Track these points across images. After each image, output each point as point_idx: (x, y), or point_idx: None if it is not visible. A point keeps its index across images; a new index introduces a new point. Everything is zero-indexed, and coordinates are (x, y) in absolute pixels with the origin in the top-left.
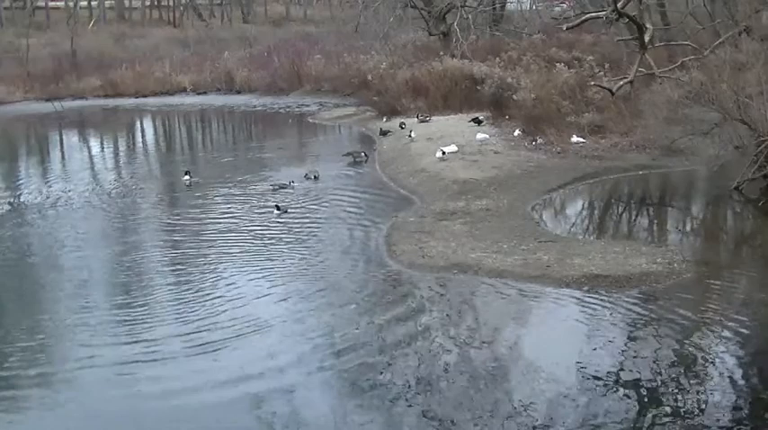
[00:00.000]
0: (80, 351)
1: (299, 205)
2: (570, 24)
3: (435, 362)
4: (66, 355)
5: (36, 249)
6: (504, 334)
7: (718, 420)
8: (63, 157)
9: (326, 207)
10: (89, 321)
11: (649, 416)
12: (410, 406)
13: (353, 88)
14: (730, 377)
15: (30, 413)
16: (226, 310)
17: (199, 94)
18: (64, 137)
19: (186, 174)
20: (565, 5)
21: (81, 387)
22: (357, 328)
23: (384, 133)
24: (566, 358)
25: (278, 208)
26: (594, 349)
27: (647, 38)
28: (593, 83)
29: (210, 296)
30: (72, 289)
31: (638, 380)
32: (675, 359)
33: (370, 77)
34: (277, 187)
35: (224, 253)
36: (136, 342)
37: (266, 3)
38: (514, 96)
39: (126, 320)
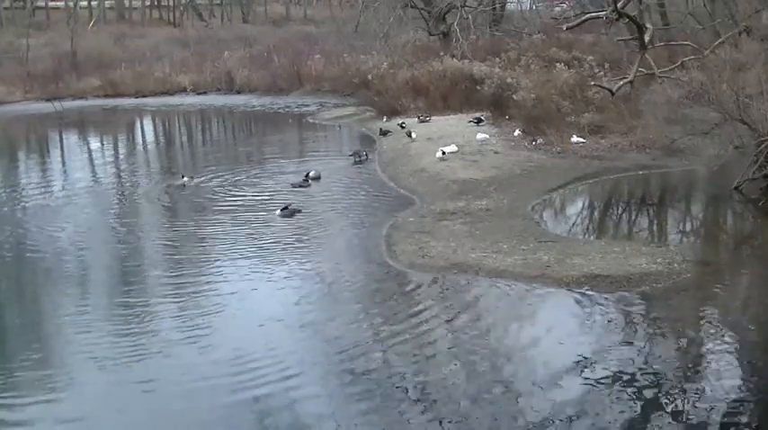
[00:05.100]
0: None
1: (298, 205)
2: (570, 24)
3: (435, 363)
4: (64, 357)
5: (34, 248)
6: (504, 334)
7: (717, 420)
8: (62, 157)
9: (326, 207)
10: (83, 326)
11: (649, 415)
12: (409, 406)
13: (353, 88)
14: (730, 377)
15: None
16: (224, 309)
17: (199, 94)
18: (64, 137)
19: (183, 177)
20: (565, 5)
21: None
22: (356, 329)
23: (384, 133)
24: (565, 358)
25: (282, 209)
26: (595, 349)
27: (647, 38)
28: (593, 83)
29: (209, 295)
30: (63, 291)
31: (638, 380)
32: (675, 359)
33: (370, 77)
34: (297, 185)
35: (223, 252)
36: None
37: (266, 3)
38: (514, 96)
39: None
